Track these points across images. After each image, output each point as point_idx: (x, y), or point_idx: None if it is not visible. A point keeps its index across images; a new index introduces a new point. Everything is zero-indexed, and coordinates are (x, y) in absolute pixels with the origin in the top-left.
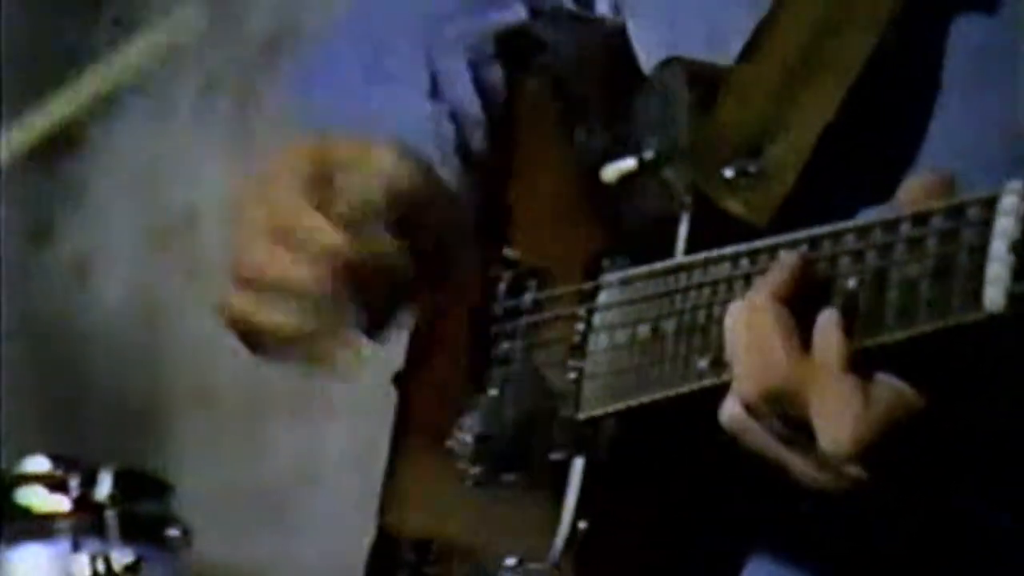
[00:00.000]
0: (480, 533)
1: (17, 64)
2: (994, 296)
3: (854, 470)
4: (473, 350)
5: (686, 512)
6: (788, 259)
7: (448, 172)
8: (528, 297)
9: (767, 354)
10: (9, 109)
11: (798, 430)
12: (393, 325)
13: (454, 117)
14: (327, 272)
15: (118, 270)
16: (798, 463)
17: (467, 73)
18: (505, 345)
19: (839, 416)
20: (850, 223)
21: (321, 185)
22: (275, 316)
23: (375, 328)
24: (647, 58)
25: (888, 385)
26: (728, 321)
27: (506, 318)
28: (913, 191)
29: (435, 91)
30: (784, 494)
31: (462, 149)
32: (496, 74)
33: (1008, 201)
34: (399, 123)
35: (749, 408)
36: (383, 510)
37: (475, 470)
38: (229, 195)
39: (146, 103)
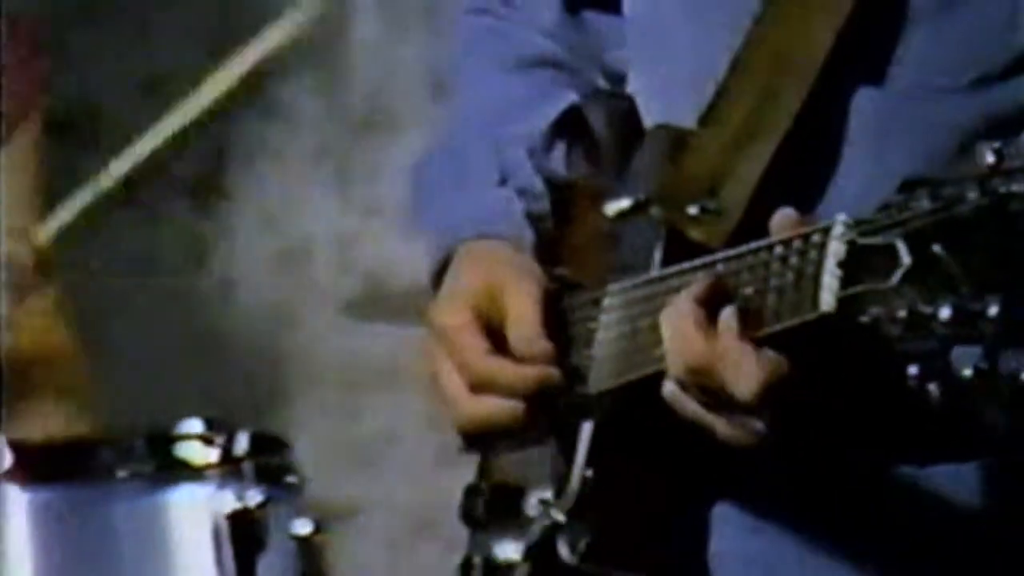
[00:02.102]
0: (523, 476)
1: None
2: (827, 299)
3: (758, 425)
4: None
5: (667, 463)
6: (705, 276)
7: (520, 238)
8: (568, 303)
9: (688, 341)
10: None
11: (714, 396)
12: None
13: (521, 193)
14: (526, 407)
15: (253, 286)
16: (717, 423)
17: (528, 161)
18: None
19: (741, 370)
20: (751, 245)
21: (491, 329)
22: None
23: None
24: (648, 123)
25: (771, 353)
26: (662, 319)
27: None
28: (782, 221)
29: (503, 179)
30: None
31: (529, 216)
32: (553, 154)
33: (838, 230)
34: (480, 209)
35: (679, 383)
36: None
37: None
38: (335, 231)
39: (274, 163)
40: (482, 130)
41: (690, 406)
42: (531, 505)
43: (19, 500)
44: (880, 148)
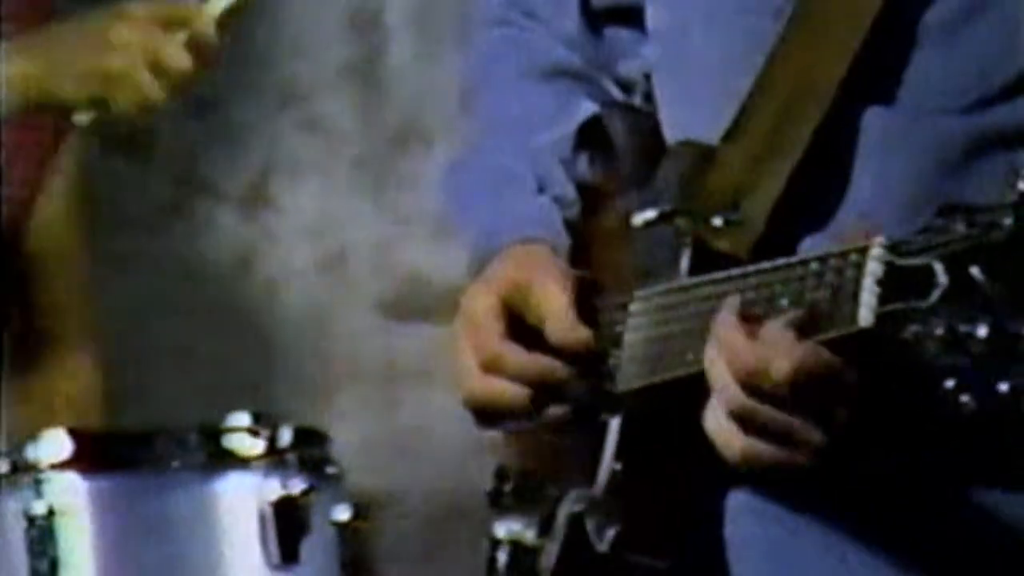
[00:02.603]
0: (552, 467)
1: None
2: (865, 315)
3: (815, 436)
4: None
5: (688, 456)
6: (732, 299)
7: (558, 245)
8: (596, 304)
9: (734, 346)
10: None
11: (770, 417)
12: None
13: (557, 201)
14: (530, 393)
15: (296, 289)
16: (774, 451)
17: (560, 169)
18: None
19: (779, 348)
20: (784, 260)
21: (515, 318)
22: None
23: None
24: (670, 137)
25: (813, 343)
26: (706, 355)
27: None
28: (848, 227)
29: (541, 188)
30: None
31: (565, 222)
32: (580, 162)
33: (875, 251)
34: (521, 215)
35: (734, 414)
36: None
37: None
38: (372, 237)
39: (316, 175)
40: (514, 138)
41: (747, 446)
42: (560, 491)
43: (79, 487)
44: (884, 165)
